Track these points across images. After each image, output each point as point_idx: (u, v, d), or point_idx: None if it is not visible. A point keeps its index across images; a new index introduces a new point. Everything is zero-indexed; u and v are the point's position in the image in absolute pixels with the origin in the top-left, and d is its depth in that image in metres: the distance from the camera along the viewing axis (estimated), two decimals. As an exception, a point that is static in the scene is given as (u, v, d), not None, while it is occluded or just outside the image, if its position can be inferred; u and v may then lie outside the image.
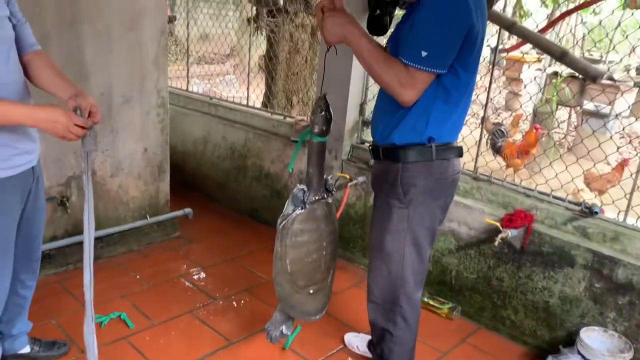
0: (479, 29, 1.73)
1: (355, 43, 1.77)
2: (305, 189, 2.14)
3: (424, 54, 1.65)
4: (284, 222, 2.15)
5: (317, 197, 2.17)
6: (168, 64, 3.35)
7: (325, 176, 2.21)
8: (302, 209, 2.14)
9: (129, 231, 3.38)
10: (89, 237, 1.81)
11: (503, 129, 5.69)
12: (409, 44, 1.70)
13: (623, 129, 4.74)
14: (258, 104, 4.60)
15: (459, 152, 1.94)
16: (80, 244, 2.88)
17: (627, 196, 2.45)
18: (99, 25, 2.89)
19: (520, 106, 4.96)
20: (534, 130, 4.94)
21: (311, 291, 2.30)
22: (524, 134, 5.44)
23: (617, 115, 3.05)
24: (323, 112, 2.03)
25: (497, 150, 5.44)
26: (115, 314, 2.70)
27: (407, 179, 1.87)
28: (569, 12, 2.60)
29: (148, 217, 3.43)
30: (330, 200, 2.24)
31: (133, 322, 2.66)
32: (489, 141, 5.59)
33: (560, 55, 2.24)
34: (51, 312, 2.68)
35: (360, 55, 1.78)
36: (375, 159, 2.05)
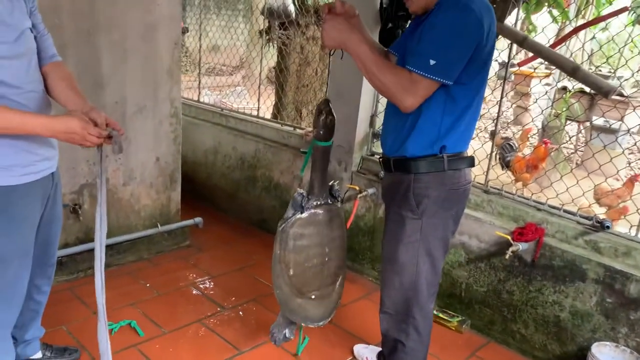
0: (489, 42, 1.75)
1: (354, 49, 1.75)
2: (305, 193, 2.13)
3: (432, 62, 1.66)
4: (283, 225, 2.14)
5: (318, 202, 2.15)
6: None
7: (331, 182, 2.20)
8: (300, 213, 2.12)
9: (140, 239, 3.40)
10: (100, 240, 1.82)
11: (512, 144, 5.69)
12: (417, 53, 1.71)
13: (635, 143, 4.72)
14: (268, 116, 4.63)
15: (471, 162, 1.95)
16: (91, 251, 2.90)
17: (639, 211, 2.45)
18: (115, 36, 2.94)
19: (532, 120, 4.96)
20: (543, 145, 4.93)
21: (313, 297, 2.27)
22: (533, 148, 5.44)
23: (628, 131, 3.05)
24: (324, 116, 2.01)
25: (506, 164, 5.44)
26: (125, 321, 2.71)
27: (419, 189, 1.88)
28: (580, 28, 2.62)
29: (159, 225, 3.45)
30: (336, 206, 2.22)
31: (143, 330, 2.67)
32: (498, 155, 5.60)
33: (572, 71, 2.25)
34: (62, 319, 2.69)
35: (360, 62, 1.76)
36: (386, 171, 2.05)
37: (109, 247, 3.23)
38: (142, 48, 3.09)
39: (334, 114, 2.05)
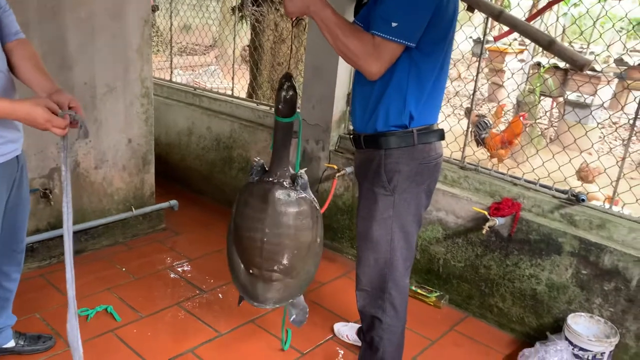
0: (450, 7, 1.75)
1: (319, 14, 1.71)
2: (262, 162, 2.00)
3: (394, 24, 1.64)
4: (241, 188, 2.04)
5: (269, 178, 1.96)
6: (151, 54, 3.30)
7: (301, 171, 1.99)
8: (250, 180, 2.00)
9: (114, 223, 3.33)
10: (68, 231, 1.75)
11: (486, 121, 5.74)
12: (378, 16, 1.69)
13: (609, 117, 4.79)
14: (242, 95, 4.56)
15: (441, 135, 1.94)
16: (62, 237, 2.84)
17: (613, 184, 2.48)
18: (82, 14, 2.83)
19: (508, 95, 4.99)
20: (520, 119, 4.98)
21: (251, 271, 2.07)
22: (508, 123, 5.48)
23: (602, 105, 3.07)
24: (284, 91, 1.87)
25: (481, 141, 5.48)
26: (101, 307, 2.66)
27: (390, 165, 1.86)
28: (554, 2, 2.60)
29: (133, 209, 3.38)
30: (296, 195, 1.95)
31: (120, 315, 2.62)
32: (472, 133, 5.63)
33: (548, 44, 2.23)
34: (35, 306, 2.63)
35: (324, 27, 1.72)
36: (357, 148, 2.02)
37: (82, 232, 3.17)
38: (110, 26, 2.99)
39: (296, 89, 1.93)
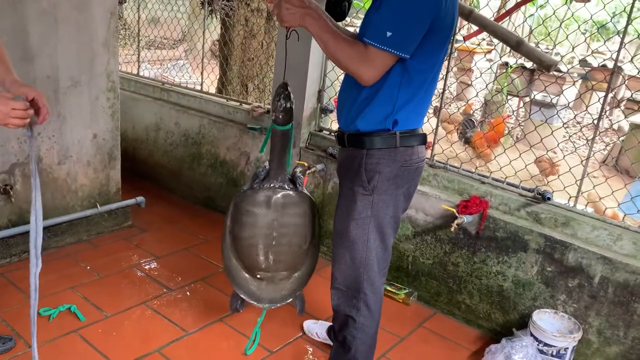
0: (447, 18, 1.73)
1: (314, 24, 1.73)
2: (268, 168, 2.12)
3: (388, 34, 1.63)
4: (236, 198, 2.15)
5: (272, 184, 2.14)
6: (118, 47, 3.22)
7: (295, 169, 2.18)
8: (252, 188, 2.13)
9: (78, 220, 3.25)
10: (35, 229, 1.69)
11: (473, 119, 5.77)
12: (373, 24, 1.68)
13: (575, 117, 4.92)
14: (212, 90, 4.50)
15: (423, 139, 1.94)
16: (25, 234, 2.75)
17: (578, 182, 2.53)
18: (44, 4, 2.74)
19: (477, 94, 5.06)
20: (502, 120, 5.06)
21: (258, 276, 2.26)
22: (490, 123, 5.54)
23: (568, 104, 3.14)
24: (281, 100, 2.01)
25: (466, 140, 5.50)
26: (65, 306, 2.59)
27: (371, 165, 1.86)
28: (522, 2, 2.65)
29: (98, 205, 3.30)
30: (299, 194, 2.18)
31: (84, 315, 2.56)
32: (458, 132, 5.65)
33: (517, 44, 2.28)
34: (-5, 306, 2.55)
35: (319, 36, 1.74)
36: (340, 146, 2.02)
37: (45, 229, 3.04)
38: (74, 17, 2.90)
39: (292, 98, 2.04)
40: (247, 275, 2.27)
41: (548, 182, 4.38)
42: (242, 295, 2.30)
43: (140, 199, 3.59)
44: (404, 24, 1.64)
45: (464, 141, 5.50)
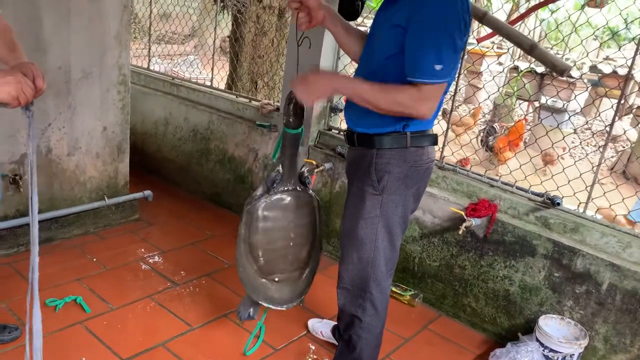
0: (468, 22, 1.73)
1: (346, 90, 1.77)
2: (281, 173, 2.13)
3: (437, 67, 1.62)
4: (249, 206, 2.14)
5: (286, 188, 2.16)
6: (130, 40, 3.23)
7: (302, 169, 2.20)
8: (267, 193, 2.13)
9: (86, 212, 3.25)
10: (33, 217, 1.68)
11: (495, 126, 5.78)
12: (419, 61, 1.65)
13: (587, 122, 4.90)
14: (221, 87, 4.51)
15: (434, 140, 1.93)
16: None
17: (588, 189, 2.52)
18: (58, -6, 2.75)
19: (488, 97, 5.06)
20: (523, 123, 5.08)
21: (277, 279, 2.28)
22: (513, 128, 5.54)
23: (580, 110, 3.12)
24: (293, 104, 2.01)
25: (489, 147, 5.53)
26: (70, 297, 2.60)
27: (381, 165, 1.86)
28: (536, 7, 2.63)
29: (106, 198, 3.31)
30: (307, 194, 2.21)
31: (90, 306, 2.56)
32: (481, 139, 5.68)
33: (530, 48, 2.26)
34: (1, 295, 2.55)
35: (359, 98, 1.74)
36: (350, 145, 2.02)
37: (52, 220, 3.09)
38: (87, 9, 2.90)
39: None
40: (264, 280, 2.27)
41: (552, 176, 4.40)
42: (262, 303, 2.30)
43: (147, 192, 3.60)
44: (448, 50, 1.64)
45: (485, 148, 5.51)
